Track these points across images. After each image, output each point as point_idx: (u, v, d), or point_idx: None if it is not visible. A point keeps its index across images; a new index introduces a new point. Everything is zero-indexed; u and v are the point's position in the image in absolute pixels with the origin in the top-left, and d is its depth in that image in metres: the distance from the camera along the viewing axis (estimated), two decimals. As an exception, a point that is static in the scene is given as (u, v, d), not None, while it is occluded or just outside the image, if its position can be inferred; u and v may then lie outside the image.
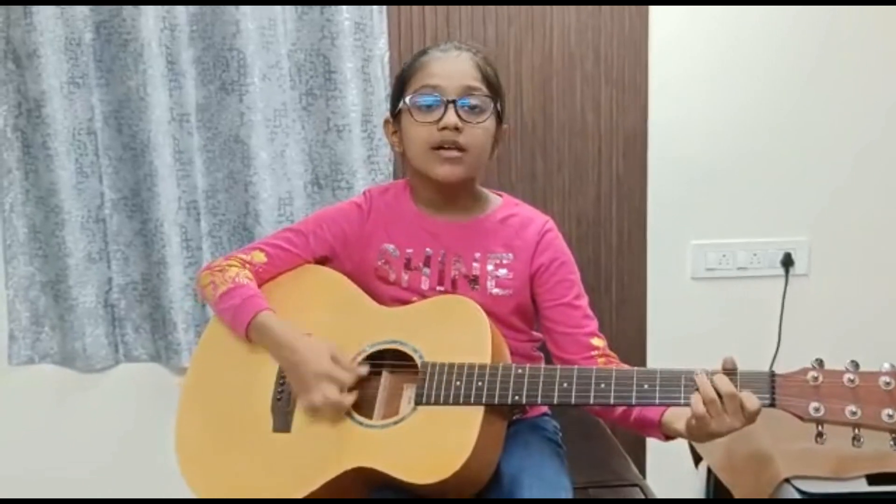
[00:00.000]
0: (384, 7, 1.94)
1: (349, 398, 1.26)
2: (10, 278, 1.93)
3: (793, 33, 2.11)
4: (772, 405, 1.10)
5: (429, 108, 1.33)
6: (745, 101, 2.12)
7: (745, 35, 2.10)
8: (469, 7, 2.00)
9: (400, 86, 1.39)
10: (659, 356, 2.15)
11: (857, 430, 1.07)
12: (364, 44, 1.92)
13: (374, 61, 1.93)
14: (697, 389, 1.12)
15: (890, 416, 1.04)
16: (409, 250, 1.40)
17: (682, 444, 2.08)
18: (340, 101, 1.92)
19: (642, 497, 1.58)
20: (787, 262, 2.17)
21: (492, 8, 2.01)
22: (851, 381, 1.07)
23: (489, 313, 1.29)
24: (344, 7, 1.88)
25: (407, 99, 1.35)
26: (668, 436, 1.25)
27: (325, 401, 1.24)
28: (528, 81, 2.05)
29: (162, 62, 1.85)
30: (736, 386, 1.11)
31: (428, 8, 1.99)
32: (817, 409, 1.07)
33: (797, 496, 1.73)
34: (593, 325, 1.39)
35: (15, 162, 1.89)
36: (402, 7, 1.97)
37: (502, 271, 1.38)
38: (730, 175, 2.14)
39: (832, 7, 2.09)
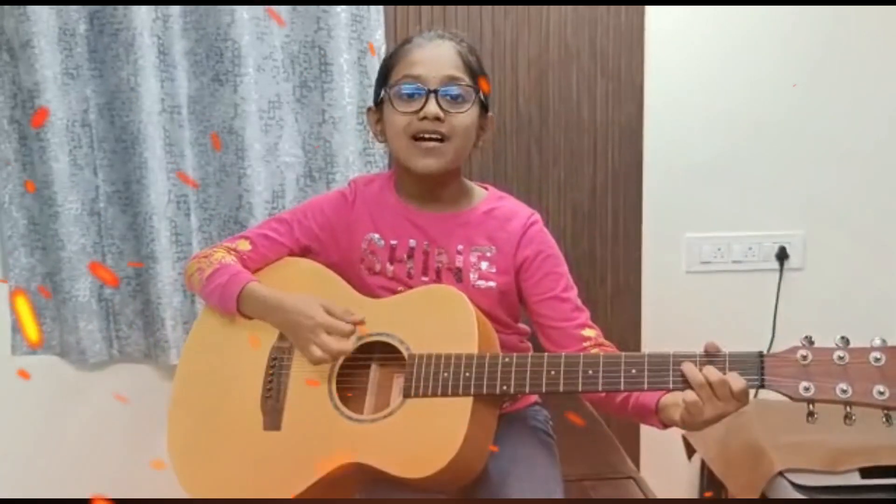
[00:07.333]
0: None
1: (348, 344, 1.25)
2: (11, 270, 1.92)
3: (790, 28, 2.10)
4: (761, 386, 1.09)
5: (410, 97, 1.31)
6: (740, 94, 2.12)
7: (741, 29, 2.09)
8: (465, -1, 2.00)
9: (383, 74, 1.38)
10: (653, 349, 2.13)
11: (848, 409, 1.05)
12: (361, 35, 1.91)
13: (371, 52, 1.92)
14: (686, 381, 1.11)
15: (881, 393, 1.02)
16: (394, 241, 1.40)
17: (676, 437, 2.08)
18: (336, 93, 1.91)
19: (637, 489, 1.58)
20: (782, 255, 2.17)
21: (488, 0, 2.01)
22: (841, 358, 1.05)
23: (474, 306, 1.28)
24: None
25: (388, 88, 1.34)
26: (666, 424, 1.23)
27: (327, 351, 1.24)
28: (524, 74, 2.05)
29: (153, 52, 1.84)
30: (724, 369, 1.10)
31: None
32: (807, 389, 1.06)
33: (791, 489, 1.73)
34: (584, 316, 1.37)
35: (12, 153, 1.88)
36: (399, -1, 1.97)
37: (485, 264, 1.37)
38: (725, 168, 2.15)
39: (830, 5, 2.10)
